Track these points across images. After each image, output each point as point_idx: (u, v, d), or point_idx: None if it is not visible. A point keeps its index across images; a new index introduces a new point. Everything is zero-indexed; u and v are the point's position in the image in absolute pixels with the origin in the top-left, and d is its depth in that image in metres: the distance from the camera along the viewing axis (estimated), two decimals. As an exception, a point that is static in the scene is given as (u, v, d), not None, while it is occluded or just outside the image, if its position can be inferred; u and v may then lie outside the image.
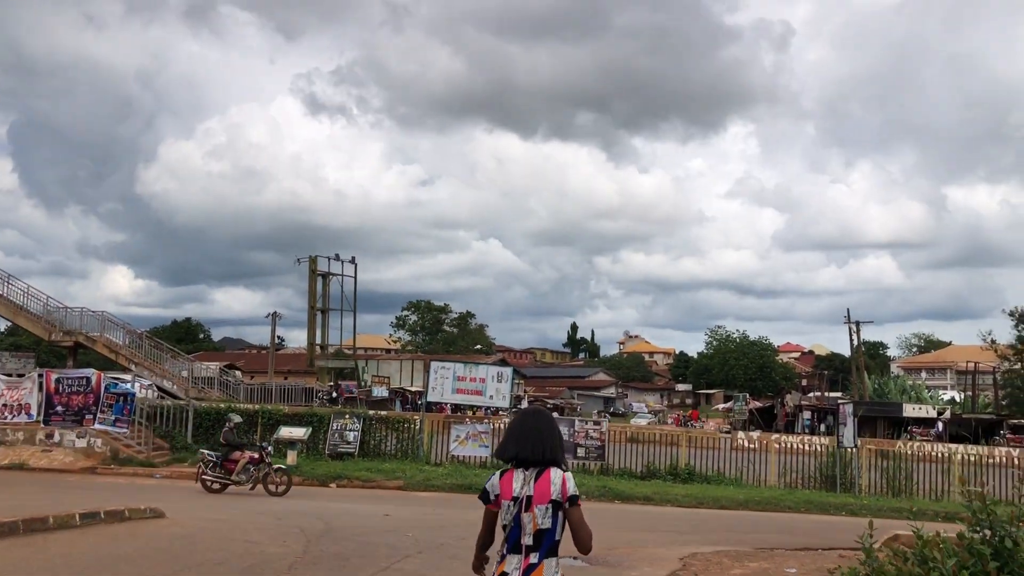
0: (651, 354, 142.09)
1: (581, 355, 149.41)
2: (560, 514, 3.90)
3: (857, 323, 54.51)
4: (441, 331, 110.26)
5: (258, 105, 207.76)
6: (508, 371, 23.91)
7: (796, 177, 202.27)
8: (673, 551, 11.89)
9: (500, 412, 29.84)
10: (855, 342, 56.34)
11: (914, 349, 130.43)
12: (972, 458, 25.00)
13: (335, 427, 23.60)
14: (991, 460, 26.13)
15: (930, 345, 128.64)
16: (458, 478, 20.35)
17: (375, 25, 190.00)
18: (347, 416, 24.37)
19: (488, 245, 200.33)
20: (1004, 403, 64.32)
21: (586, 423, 24.30)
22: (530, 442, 3.93)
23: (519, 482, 3.90)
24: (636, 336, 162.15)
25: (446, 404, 38.36)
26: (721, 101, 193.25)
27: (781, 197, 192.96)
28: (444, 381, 23.58)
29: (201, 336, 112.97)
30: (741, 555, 11.67)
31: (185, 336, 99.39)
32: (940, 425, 47.19)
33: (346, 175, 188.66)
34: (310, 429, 22.40)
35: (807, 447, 26.78)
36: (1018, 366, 65.68)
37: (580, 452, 23.32)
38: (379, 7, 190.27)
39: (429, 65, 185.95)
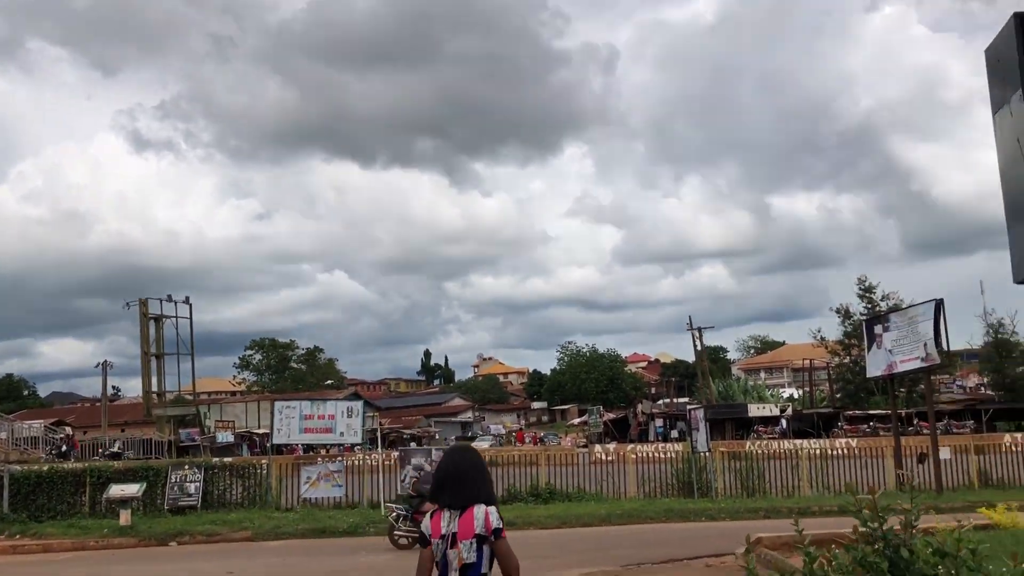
0: (506, 375, 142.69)
1: (436, 382, 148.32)
2: (486, 548, 4.03)
3: (699, 329, 56.42)
4: (288, 369, 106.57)
5: (76, 144, 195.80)
6: (358, 405, 22.88)
7: (631, 194, 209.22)
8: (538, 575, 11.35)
9: (355, 448, 28.64)
10: (698, 347, 58.18)
11: (751, 351, 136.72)
12: (817, 451, 25.88)
13: (174, 479, 21.81)
14: (833, 452, 27.19)
15: (766, 346, 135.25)
16: (311, 522, 19.12)
17: (200, 57, 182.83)
18: (186, 466, 22.60)
19: (334, 277, 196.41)
20: (838, 396, 68.14)
21: (441, 451, 23.53)
22: (464, 489, 4.10)
23: (446, 520, 4.06)
24: (490, 358, 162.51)
25: (297, 445, 36.88)
26: (556, 124, 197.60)
27: (618, 213, 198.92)
28: (290, 421, 22.29)
29: (26, 393, 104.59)
30: (609, 574, 11.26)
31: (7, 394, 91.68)
32: (784, 422, 49.25)
33: (177, 213, 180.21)
34: (144, 484, 20.55)
35: (663, 455, 27.05)
36: (847, 360, 69.93)
37: (438, 482, 22.52)
38: (202, 39, 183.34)
39: (259, 96, 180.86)
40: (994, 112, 5.38)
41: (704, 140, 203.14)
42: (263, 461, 23.50)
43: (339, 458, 24.18)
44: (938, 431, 45.96)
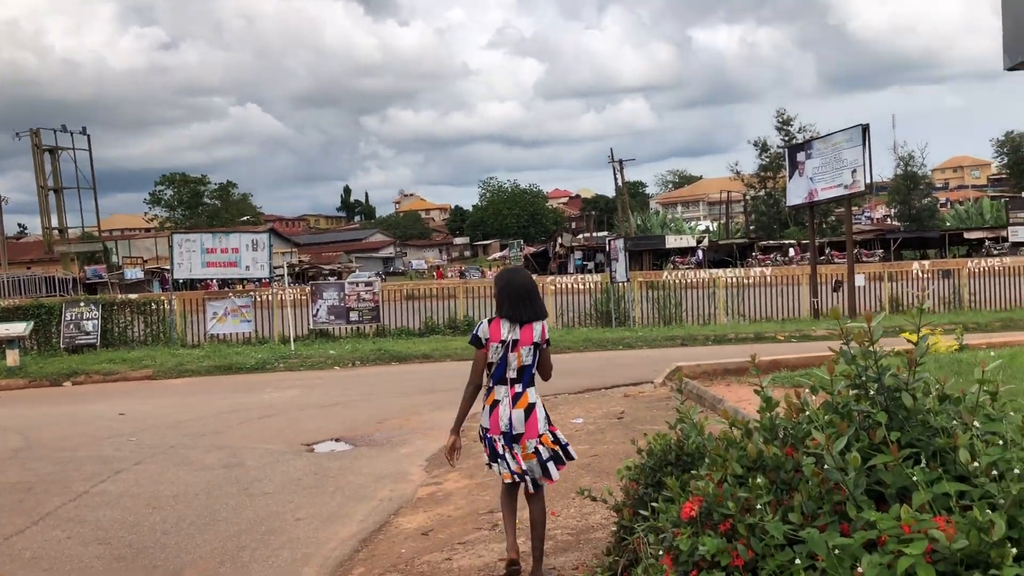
0: (427, 211, 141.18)
1: (357, 218, 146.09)
2: (537, 352, 4.69)
3: (620, 162, 55.72)
4: (202, 204, 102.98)
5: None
6: (264, 237, 21.68)
7: (553, 25, 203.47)
8: (450, 413, 10.81)
9: (264, 282, 27.55)
10: (619, 181, 57.74)
11: (669, 185, 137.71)
12: (733, 280, 25.92)
13: (69, 317, 20.62)
14: (747, 280, 27.33)
15: (683, 180, 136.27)
16: (217, 359, 18.33)
17: None
18: (82, 303, 21.36)
19: (247, 111, 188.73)
20: (752, 228, 69.25)
21: (357, 285, 22.75)
22: (525, 303, 4.67)
23: (506, 329, 4.63)
24: (411, 195, 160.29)
25: (212, 281, 35.56)
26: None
27: (540, 46, 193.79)
28: (191, 255, 21.04)
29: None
30: (523, 408, 10.80)
31: None
32: (700, 253, 49.74)
33: (75, 42, 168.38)
34: (31, 323, 19.30)
35: (582, 286, 26.77)
36: (762, 193, 70.71)
37: (353, 316, 21.86)
38: None
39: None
40: None
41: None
42: (165, 297, 22.34)
43: (250, 292, 23.17)
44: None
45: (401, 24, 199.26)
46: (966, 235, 52.94)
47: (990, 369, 2.60)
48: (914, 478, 2.30)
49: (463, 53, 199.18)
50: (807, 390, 3.03)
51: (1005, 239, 52.14)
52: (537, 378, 4.78)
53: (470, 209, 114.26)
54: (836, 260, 46.09)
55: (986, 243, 51.75)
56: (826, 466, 2.43)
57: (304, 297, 23.46)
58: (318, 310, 21.91)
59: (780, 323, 22.07)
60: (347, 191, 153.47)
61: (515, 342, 4.61)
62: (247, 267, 21.38)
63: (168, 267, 53.80)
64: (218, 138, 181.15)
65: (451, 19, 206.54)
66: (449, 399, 12.22)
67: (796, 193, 22.96)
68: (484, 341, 4.68)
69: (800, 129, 67.82)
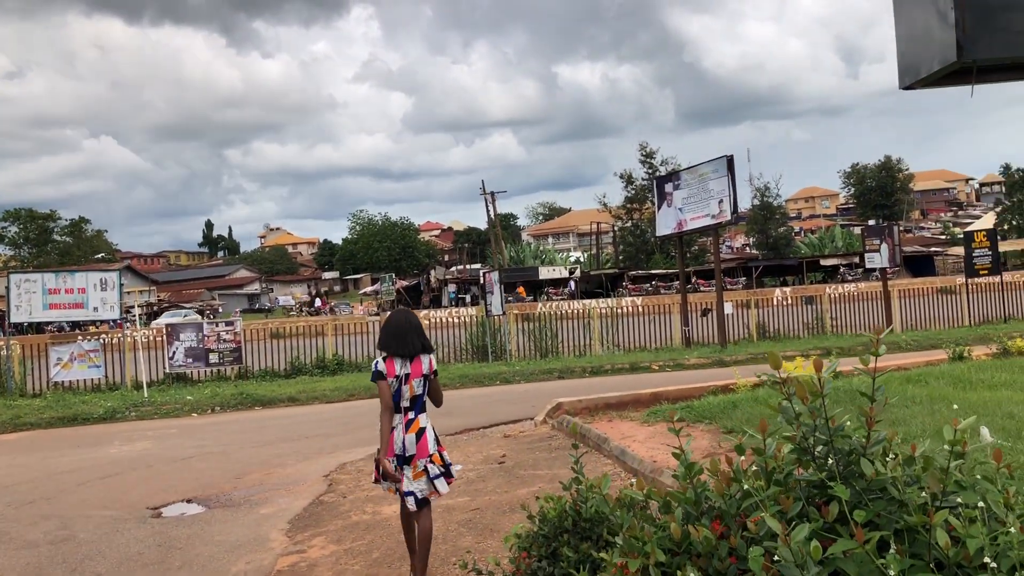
0: (295, 245, 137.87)
1: (220, 254, 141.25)
2: (426, 383, 5.34)
3: (492, 194, 55.73)
4: (51, 242, 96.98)
5: None
6: (113, 276, 20.09)
7: (419, 59, 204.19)
8: (318, 464, 10.00)
9: (119, 324, 25.70)
10: (491, 213, 57.74)
11: (540, 217, 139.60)
12: (605, 311, 25.94)
13: None
14: (620, 310, 27.45)
15: (553, 212, 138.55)
16: (60, 409, 16.72)
17: None
18: (-98, 354, 19.26)
19: (101, 143, 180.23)
20: (621, 258, 70.62)
21: (217, 325, 21.42)
22: (408, 340, 5.28)
23: (398, 365, 5.24)
24: (278, 228, 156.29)
25: (64, 323, 33.11)
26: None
27: (407, 79, 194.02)
28: (31, 296, 19.29)
29: None
30: (397, 455, 10.10)
31: None
32: (572, 284, 50.07)
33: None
34: None
35: (457, 320, 26.25)
36: (629, 224, 72.35)
37: (213, 358, 20.54)
38: None
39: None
40: None
41: (491, 5, 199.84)
42: (2, 342, 20.42)
43: (99, 337, 21.46)
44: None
45: (265, 56, 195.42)
46: (822, 262, 55.44)
47: (963, 427, 2.17)
48: (888, 572, 1.82)
49: (329, 86, 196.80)
50: (738, 456, 2.54)
51: (858, 265, 54.94)
52: (429, 404, 5.40)
53: (340, 243, 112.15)
54: (702, 288, 47.31)
55: (841, 269, 54.37)
56: (779, 559, 1.92)
57: (160, 338, 21.93)
58: (175, 352, 20.49)
59: (654, 352, 22.12)
60: (209, 226, 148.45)
61: (407, 376, 5.24)
62: (95, 308, 19.77)
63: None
64: (71, 172, 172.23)
65: (316, 52, 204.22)
66: (316, 447, 11.41)
67: (665, 223, 23.18)
68: (383, 374, 5.25)
69: (663, 162, 69.98)
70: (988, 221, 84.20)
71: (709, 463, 2.46)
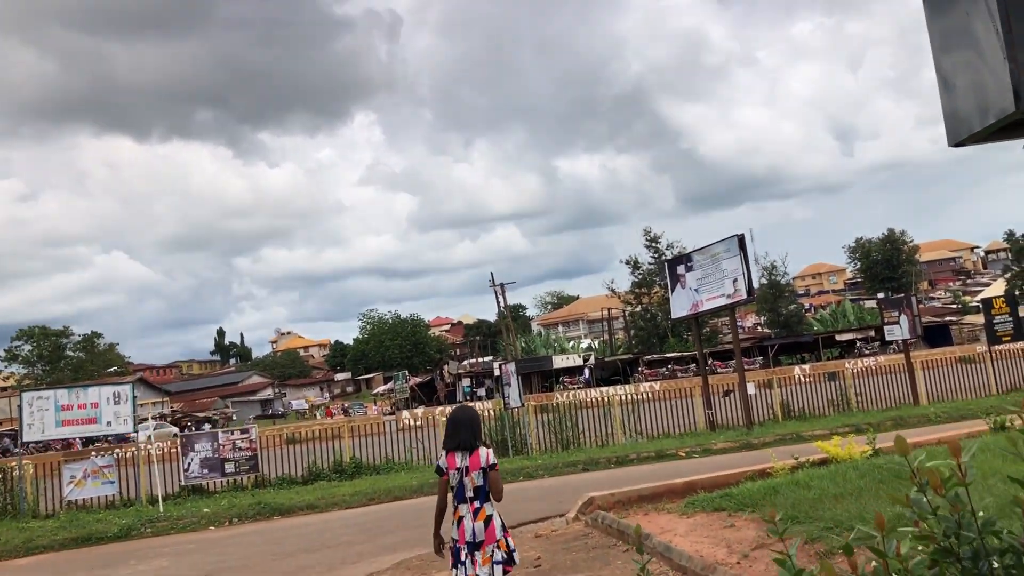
0: (306, 348, 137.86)
1: (232, 361, 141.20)
2: (486, 475, 5.63)
3: (502, 285, 55.86)
4: (64, 358, 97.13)
5: None
6: (126, 389, 19.87)
7: (422, 160, 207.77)
8: (342, 574, 9.57)
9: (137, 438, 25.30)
10: (502, 305, 57.75)
11: (549, 306, 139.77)
12: (626, 397, 25.52)
13: None
14: (640, 396, 27.02)
15: (562, 301, 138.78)
16: (74, 529, 16.28)
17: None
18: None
19: (112, 258, 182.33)
20: (634, 343, 70.23)
21: (232, 434, 21.07)
22: (463, 435, 5.68)
23: (459, 458, 5.64)
24: (288, 332, 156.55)
25: (75, 439, 32.72)
26: (343, 91, 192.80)
27: (411, 180, 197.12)
28: (44, 414, 19.04)
29: None
30: (426, 562, 9.66)
31: None
32: (587, 371, 49.62)
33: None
34: None
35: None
36: (639, 308, 72.23)
37: (229, 468, 20.12)
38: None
39: (12, 69, 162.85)
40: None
41: (490, 105, 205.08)
42: (13, 463, 20.07)
43: (113, 452, 21.09)
44: (733, 368, 47.97)
45: (272, 166, 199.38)
46: (838, 337, 54.98)
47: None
48: None
49: (335, 191, 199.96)
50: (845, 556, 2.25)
51: (875, 338, 54.41)
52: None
53: (351, 343, 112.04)
54: (720, 370, 46.82)
55: (857, 343, 53.85)
56: None
57: (174, 450, 21.56)
58: (190, 464, 20.10)
59: (679, 438, 21.61)
60: (221, 333, 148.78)
61: (467, 468, 5.59)
62: (108, 423, 19.48)
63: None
64: (83, 288, 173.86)
65: (321, 159, 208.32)
66: (339, 556, 10.94)
67: (680, 305, 22.99)
68: (444, 470, 5.69)
69: (668, 246, 70.30)
70: (998, 288, 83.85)
71: (820, 568, 2.16)
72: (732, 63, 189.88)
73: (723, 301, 21.27)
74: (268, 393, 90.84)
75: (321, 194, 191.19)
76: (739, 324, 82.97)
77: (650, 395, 27.46)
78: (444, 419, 23.65)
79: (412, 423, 30.63)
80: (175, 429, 47.75)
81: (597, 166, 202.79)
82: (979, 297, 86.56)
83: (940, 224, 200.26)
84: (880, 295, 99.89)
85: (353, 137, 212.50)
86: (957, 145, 4.16)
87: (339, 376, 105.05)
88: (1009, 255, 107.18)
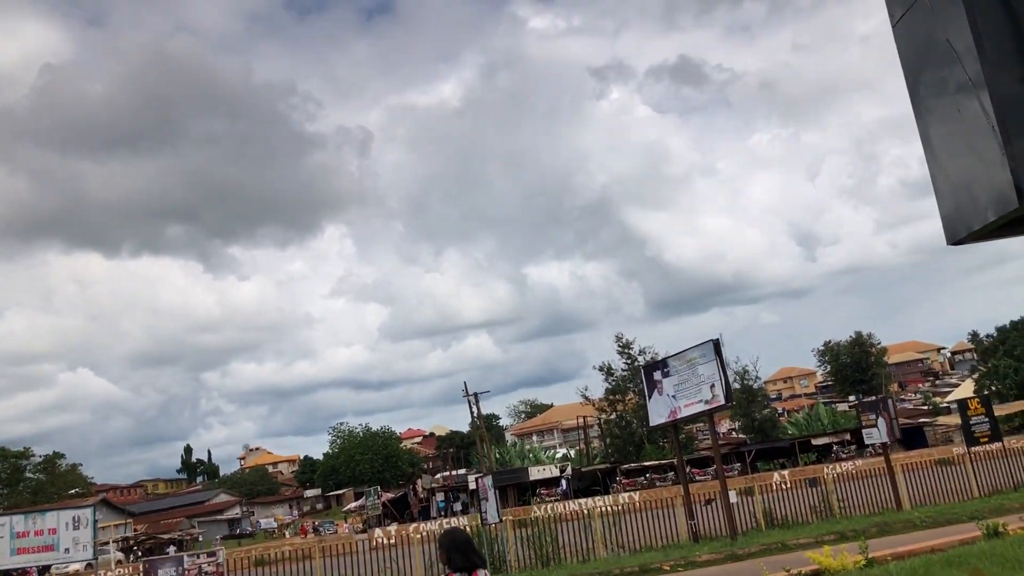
0: (275, 464, 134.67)
1: (199, 479, 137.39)
2: None
3: (475, 394, 55.27)
4: (24, 480, 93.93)
5: None
6: (87, 513, 19.03)
7: (393, 271, 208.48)
8: None
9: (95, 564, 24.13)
10: (476, 413, 57.00)
11: (522, 415, 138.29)
12: (605, 509, 24.92)
13: None
14: (617, 507, 26.42)
15: (535, 409, 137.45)
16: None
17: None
18: None
19: (78, 376, 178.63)
20: (610, 451, 69.34)
21: (197, 557, 20.16)
22: (471, 555, 5.56)
23: None
24: (257, 448, 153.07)
25: (31, 568, 31.22)
26: (314, 205, 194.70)
27: (382, 291, 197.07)
28: (-2, 541, 18.14)
29: None
30: None
31: None
32: (564, 483, 48.68)
33: None
34: None
35: (449, 531, 25.06)
36: (613, 416, 71.60)
37: (193, 594, 19.15)
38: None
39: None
40: (894, 23, 4.04)
41: (460, 216, 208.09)
42: (-36, 596, 19.00)
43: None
44: (711, 476, 47.32)
45: (242, 279, 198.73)
46: (814, 441, 54.69)
47: None
48: None
49: (306, 303, 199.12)
50: None
51: (850, 442, 54.19)
52: None
53: (320, 458, 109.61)
54: (698, 477, 46.16)
55: (834, 447, 53.53)
56: None
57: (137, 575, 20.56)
58: (153, 591, 19.10)
59: (662, 551, 20.99)
60: (188, 451, 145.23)
61: None
62: (67, 549, 18.58)
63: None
64: (46, 406, 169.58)
65: (292, 271, 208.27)
66: None
67: (658, 412, 22.73)
68: None
69: (640, 351, 70.33)
70: (967, 388, 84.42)
71: None
72: (694, 173, 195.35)
73: (701, 407, 21.07)
74: (236, 512, 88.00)
75: (291, 306, 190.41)
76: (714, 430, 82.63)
77: (630, 506, 26.86)
78: (419, 536, 22.87)
79: (385, 541, 29.59)
80: (120, 556, 45.61)
81: (566, 273, 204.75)
82: (949, 398, 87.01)
83: (906, 328, 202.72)
84: (852, 397, 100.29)
85: (324, 249, 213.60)
86: (956, 243, 4.11)
87: (309, 493, 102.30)
88: (975, 356, 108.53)
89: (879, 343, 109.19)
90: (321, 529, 57.34)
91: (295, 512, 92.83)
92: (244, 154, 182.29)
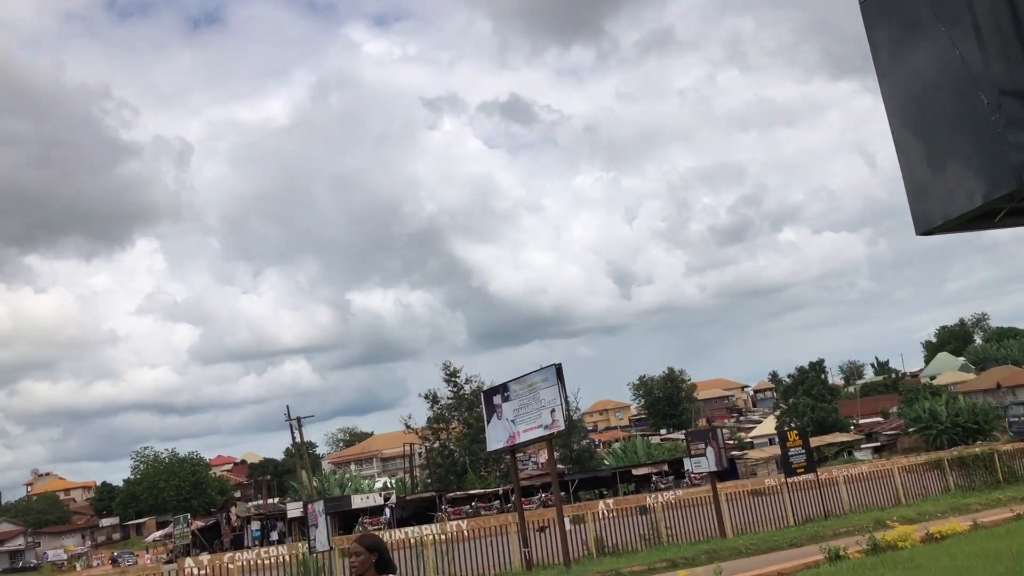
0: (67, 491, 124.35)
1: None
2: None
3: (299, 419, 53.12)
4: None
5: None
6: None
7: (207, 290, 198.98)
8: None
9: None
10: (298, 438, 54.79)
11: (341, 443, 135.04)
12: (437, 537, 24.24)
13: None
14: (443, 536, 25.83)
15: (354, 438, 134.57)
16: None
17: None
18: None
19: None
20: (430, 481, 68.57)
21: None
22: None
23: None
24: (47, 474, 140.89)
25: None
26: (125, 217, 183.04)
27: (194, 311, 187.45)
28: None
29: None
30: None
31: None
32: (388, 511, 47.47)
33: None
34: None
35: (269, 560, 23.63)
36: (436, 444, 70.97)
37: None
38: None
39: None
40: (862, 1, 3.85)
41: (282, 237, 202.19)
42: None
43: None
44: (537, 504, 47.46)
45: (38, 291, 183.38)
46: (634, 471, 56.13)
47: None
48: None
49: (109, 319, 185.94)
50: None
51: (668, 472, 56.02)
52: None
53: (120, 484, 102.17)
54: (525, 506, 46.13)
55: (653, 477, 55.16)
56: None
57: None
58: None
59: (497, 580, 20.57)
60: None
61: None
62: None
63: None
64: None
65: (96, 285, 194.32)
66: None
67: (496, 437, 22.38)
68: None
69: (467, 380, 70.29)
70: (769, 425, 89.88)
71: None
72: (520, 208, 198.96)
73: (541, 432, 20.89)
74: (19, 543, 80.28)
75: (93, 323, 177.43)
76: (534, 460, 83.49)
77: (458, 534, 26.29)
78: (238, 566, 21.31)
79: (197, 572, 27.52)
80: None
81: (391, 301, 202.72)
82: (753, 433, 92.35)
83: (712, 365, 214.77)
84: (663, 431, 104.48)
85: (133, 264, 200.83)
86: (925, 234, 3.89)
87: (105, 521, 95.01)
88: (775, 394, 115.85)
89: (689, 379, 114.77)
90: (120, 560, 53.07)
91: (88, 542, 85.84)
92: (50, 158, 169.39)
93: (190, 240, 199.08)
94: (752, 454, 68.25)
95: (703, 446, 23.77)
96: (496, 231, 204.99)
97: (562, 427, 20.59)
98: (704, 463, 23.66)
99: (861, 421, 76.63)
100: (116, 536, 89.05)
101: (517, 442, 21.83)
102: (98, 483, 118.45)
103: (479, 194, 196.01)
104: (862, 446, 62.50)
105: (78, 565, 59.52)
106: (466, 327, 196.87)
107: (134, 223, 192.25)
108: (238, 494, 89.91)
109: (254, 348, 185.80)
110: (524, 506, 46.06)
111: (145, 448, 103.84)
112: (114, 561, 53.29)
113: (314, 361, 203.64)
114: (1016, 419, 56.11)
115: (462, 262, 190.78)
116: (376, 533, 33.28)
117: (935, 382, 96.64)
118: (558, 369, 20.51)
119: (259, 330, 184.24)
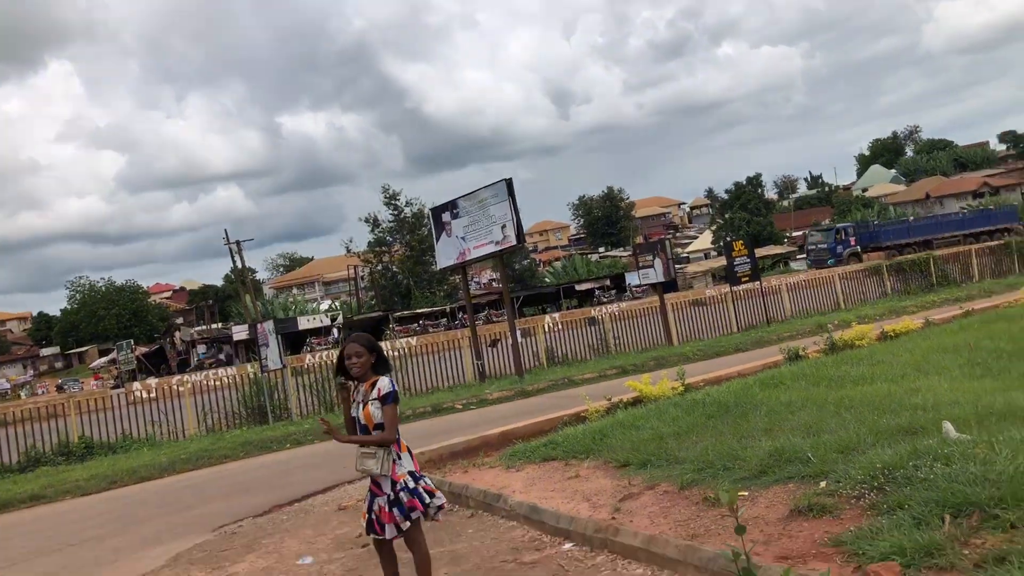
0: (3, 322, 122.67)
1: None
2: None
3: (238, 242, 52.15)
4: None
5: None
6: None
7: (130, 115, 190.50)
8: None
9: None
10: (239, 263, 54.08)
11: (280, 269, 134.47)
12: (390, 353, 24.30)
13: None
14: (396, 353, 25.97)
15: (294, 263, 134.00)
16: None
17: None
18: None
19: None
20: (374, 303, 69.00)
21: None
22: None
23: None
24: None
25: None
26: (33, 36, 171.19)
27: (118, 137, 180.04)
28: None
29: None
30: (211, 553, 7.98)
31: None
32: (336, 331, 47.73)
33: None
34: None
35: (219, 382, 23.58)
36: (379, 267, 70.93)
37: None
38: None
39: None
40: None
41: (205, 58, 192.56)
42: None
43: None
44: (483, 321, 48.14)
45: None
46: (577, 287, 57.09)
47: None
48: None
49: (29, 147, 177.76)
50: None
51: (610, 287, 57.07)
52: None
53: (58, 314, 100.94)
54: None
55: (596, 292, 56.26)
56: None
57: None
58: None
59: (451, 391, 20.83)
60: None
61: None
62: None
63: None
64: None
65: (10, 112, 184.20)
66: (91, 557, 8.78)
67: (446, 254, 22.07)
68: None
69: (407, 203, 69.53)
70: (706, 240, 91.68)
71: None
72: (454, 24, 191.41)
73: (492, 248, 20.61)
74: (-42, 375, 79.67)
75: (11, 151, 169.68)
76: (476, 280, 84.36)
77: (408, 351, 26.44)
78: (188, 387, 21.14)
79: (146, 395, 27.49)
80: None
81: (323, 124, 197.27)
82: (689, 248, 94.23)
83: (650, 184, 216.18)
84: (602, 249, 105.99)
85: (47, 88, 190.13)
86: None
87: (45, 351, 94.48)
88: (711, 210, 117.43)
89: (628, 198, 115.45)
90: (66, 387, 53.01)
91: (31, 372, 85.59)
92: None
93: (107, 62, 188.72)
94: (690, 268, 69.75)
95: (651, 257, 23.86)
96: (429, 49, 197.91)
97: (514, 243, 20.29)
98: (652, 274, 23.82)
99: (795, 234, 78.42)
100: (58, 365, 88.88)
101: (468, 259, 21.56)
102: (34, 314, 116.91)
103: (409, 7, 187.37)
104: (798, 257, 64.13)
105: (23, 394, 59.33)
106: (402, 150, 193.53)
107: (44, 44, 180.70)
108: (180, 320, 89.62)
109: (184, 175, 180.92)
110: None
111: (80, 278, 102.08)
112: (59, 388, 53.22)
113: (247, 187, 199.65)
114: (813, 247, 54.01)
115: (395, 82, 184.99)
116: (325, 352, 33.26)
117: (867, 194, 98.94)
118: (508, 184, 19.97)
119: (188, 156, 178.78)
